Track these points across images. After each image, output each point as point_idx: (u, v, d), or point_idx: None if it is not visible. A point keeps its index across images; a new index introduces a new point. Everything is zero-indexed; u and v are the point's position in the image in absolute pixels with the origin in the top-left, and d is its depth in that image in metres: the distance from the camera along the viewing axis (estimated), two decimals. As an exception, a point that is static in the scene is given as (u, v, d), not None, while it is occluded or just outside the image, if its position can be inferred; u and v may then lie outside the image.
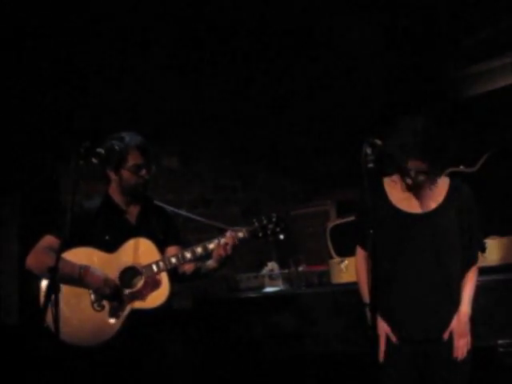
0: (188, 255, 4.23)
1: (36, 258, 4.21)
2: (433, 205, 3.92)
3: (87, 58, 6.28)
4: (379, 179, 4.02)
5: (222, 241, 4.21)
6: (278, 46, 6.98)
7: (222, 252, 4.21)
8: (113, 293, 4.13)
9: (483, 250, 4.01)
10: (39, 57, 6.05)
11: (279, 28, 6.86)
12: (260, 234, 4.27)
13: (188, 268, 4.42)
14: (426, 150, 3.73)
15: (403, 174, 3.79)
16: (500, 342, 4.46)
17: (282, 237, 4.30)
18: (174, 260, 4.21)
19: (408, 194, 3.94)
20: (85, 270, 4.12)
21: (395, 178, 3.96)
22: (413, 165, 3.78)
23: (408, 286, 3.87)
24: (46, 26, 5.95)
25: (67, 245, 3.97)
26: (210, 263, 4.35)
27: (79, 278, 4.12)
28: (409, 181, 3.79)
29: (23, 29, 5.89)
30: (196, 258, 4.28)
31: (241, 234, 4.26)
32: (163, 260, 4.20)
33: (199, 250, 4.23)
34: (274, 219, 4.27)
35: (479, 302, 4.42)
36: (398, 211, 3.90)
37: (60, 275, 3.78)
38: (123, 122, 4.83)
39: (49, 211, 5.81)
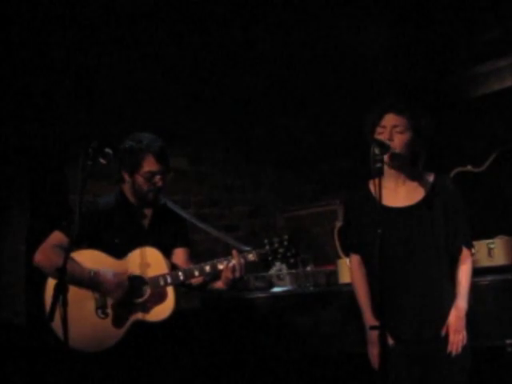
0: (196, 273, 4.17)
1: (44, 255, 4.18)
2: (417, 198, 3.92)
3: (95, 57, 6.28)
4: (366, 181, 4.02)
5: (231, 263, 4.13)
6: (286, 45, 6.98)
7: (230, 275, 4.15)
8: (125, 297, 4.12)
9: (470, 243, 3.97)
10: (50, 54, 6.05)
11: (287, 27, 6.86)
12: (270, 258, 4.19)
13: (195, 281, 4.33)
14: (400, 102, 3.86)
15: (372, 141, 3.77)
16: (508, 341, 4.45)
17: (292, 261, 4.28)
18: (181, 276, 4.15)
19: (394, 190, 3.96)
20: (95, 273, 4.11)
21: (385, 175, 3.94)
22: (387, 121, 3.85)
23: (400, 283, 3.87)
24: (53, 25, 5.96)
25: (76, 244, 3.96)
26: (219, 284, 4.29)
27: (90, 283, 4.11)
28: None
29: (29, 26, 5.90)
30: (203, 276, 4.25)
31: (251, 257, 4.17)
32: (170, 275, 4.15)
33: (207, 268, 4.17)
34: (285, 243, 4.16)
35: (487, 302, 4.43)
36: (382, 207, 3.88)
37: (70, 277, 3.77)
38: (132, 123, 4.82)
39: (57, 211, 5.81)
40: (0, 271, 6.02)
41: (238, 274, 4.14)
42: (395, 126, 3.84)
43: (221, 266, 4.16)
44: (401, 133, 3.83)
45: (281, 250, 4.16)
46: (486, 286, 4.49)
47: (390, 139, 3.81)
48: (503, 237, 4.94)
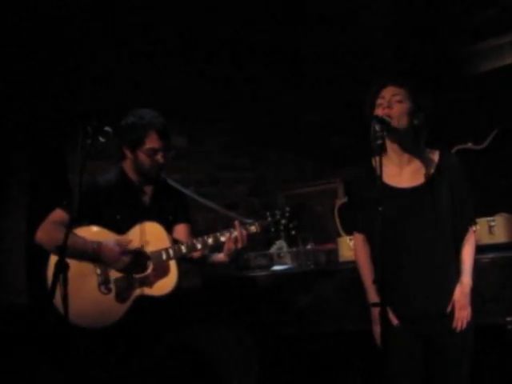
0: (198, 245, 4.19)
1: (46, 232, 4.19)
2: (423, 178, 3.91)
3: (98, 36, 6.25)
4: (370, 158, 4.01)
5: (234, 234, 4.16)
6: (286, 23, 6.93)
7: (232, 246, 4.17)
8: (128, 264, 4.12)
9: (474, 222, 3.98)
10: (47, 38, 6.02)
11: (287, 6, 6.81)
12: (273, 229, 4.22)
13: (195, 254, 4.36)
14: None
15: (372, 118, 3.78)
16: (509, 319, 4.45)
17: (294, 233, 4.27)
18: (183, 249, 4.17)
19: (399, 170, 3.95)
20: (98, 245, 4.11)
21: (388, 153, 3.95)
22: (386, 92, 3.86)
23: (405, 262, 3.87)
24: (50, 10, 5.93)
25: (77, 221, 3.95)
26: (220, 256, 4.31)
27: (93, 254, 4.10)
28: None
29: (26, 14, 5.87)
30: (206, 248, 4.25)
31: (253, 229, 4.21)
32: (173, 248, 4.16)
33: (210, 241, 4.19)
34: (287, 214, 4.21)
35: (488, 280, 4.44)
36: (388, 187, 3.89)
37: (72, 250, 3.79)
38: (131, 101, 4.80)
39: (57, 190, 5.81)
40: (0, 250, 6.03)
41: (240, 245, 4.16)
42: (394, 95, 3.84)
43: (223, 238, 4.18)
44: (400, 102, 3.83)
45: (283, 222, 4.19)
46: (486, 264, 4.48)
47: (390, 107, 3.80)
48: (504, 214, 4.93)
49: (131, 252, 4.14)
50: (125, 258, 4.10)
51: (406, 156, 3.93)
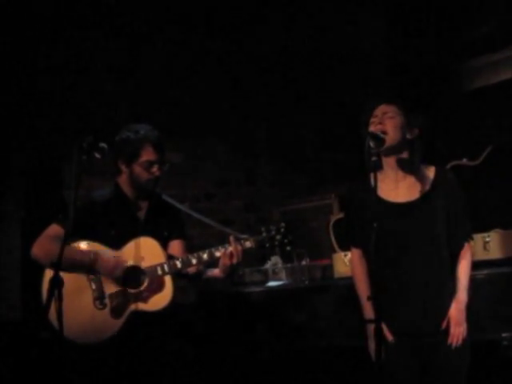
0: (193, 261, 4.18)
1: (42, 247, 4.18)
2: (419, 193, 3.92)
3: (93, 53, 6.28)
4: (366, 173, 4.01)
5: (229, 250, 4.15)
6: (283, 39, 6.97)
7: (227, 261, 4.16)
8: (125, 274, 4.12)
9: (471, 237, 3.99)
10: (45, 49, 6.05)
11: (284, 21, 6.85)
12: (267, 245, 4.21)
13: (191, 270, 4.34)
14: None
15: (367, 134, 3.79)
16: (504, 335, 4.45)
17: (289, 249, 4.27)
18: (178, 264, 4.16)
19: (395, 185, 3.95)
20: (95, 254, 4.11)
21: (385, 169, 3.96)
22: (379, 111, 3.89)
23: (401, 278, 3.87)
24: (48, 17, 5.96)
25: (72, 237, 3.95)
26: (216, 272, 4.30)
27: (89, 264, 4.11)
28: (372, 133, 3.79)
29: (24, 20, 5.89)
30: (201, 264, 4.25)
31: (248, 244, 4.19)
32: (168, 263, 4.15)
33: (205, 256, 4.18)
34: (282, 230, 4.19)
35: (483, 296, 4.43)
36: (384, 202, 3.89)
37: (69, 262, 3.81)
38: (127, 118, 4.82)
39: (52, 205, 5.81)
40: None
41: (235, 260, 4.15)
42: (385, 113, 3.87)
43: (218, 254, 4.17)
44: (391, 117, 3.86)
45: (278, 237, 4.18)
46: (481, 280, 4.48)
47: (381, 123, 3.82)
48: (498, 230, 4.93)
49: (127, 268, 4.14)
50: (119, 269, 4.11)
51: (401, 171, 3.94)
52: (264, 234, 4.19)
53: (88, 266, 4.12)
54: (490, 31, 6.41)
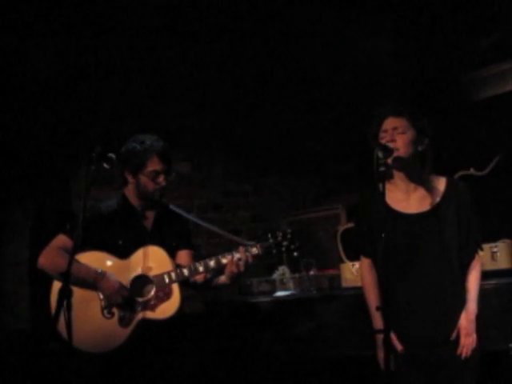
0: (200, 268, 4.19)
1: (49, 258, 4.21)
2: (430, 204, 3.92)
3: (99, 63, 6.30)
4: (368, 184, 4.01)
5: (236, 256, 4.15)
6: (291, 50, 6.98)
7: (234, 269, 4.16)
8: (124, 302, 4.13)
9: (481, 248, 3.99)
10: (53, 61, 6.07)
11: (292, 33, 6.86)
12: (274, 251, 4.22)
13: (198, 278, 4.35)
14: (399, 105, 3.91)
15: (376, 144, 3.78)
16: (512, 345, 4.46)
17: (296, 254, 4.27)
18: (186, 272, 4.17)
19: (406, 196, 3.95)
20: (101, 274, 4.12)
21: (395, 180, 3.96)
22: (388, 125, 3.86)
23: (411, 289, 3.86)
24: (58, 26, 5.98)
25: (80, 247, 3.96)
26: (222, 279, 4.30)
27: (94, 281, 4.12)
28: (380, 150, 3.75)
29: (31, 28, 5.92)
30: (208, 271, 4.26)
31: (255, 251, 4.19)
32: (175, 271, 4.16)
33: (212, 263, 4.19)
34: (288, 236, 4.20)
35: (491, 306, 4.42)
36: (395, 213, 3.90)
37: (74, 278, 3.79)
38: (135, 128, 4.83)
39: (60, 215, 5.82)
40: (3, 276, 6.03)
41: (242, 268, 4.15)
42: (395, 128, 3.84)
43: (225, 261, 4.17)
44: (402, 133, 3.83)
45: (285, 243, 4.19)
46: (489, 290, 4.48)
47: (393, 140, 3.80)
48: (506, 240, 4.93)
49: (133, 280, 4.16)
50: (120, 296, 4.11)
51: (413, 183, 3.94)
52: (271, 241, 4.20)
53: (92, 283, 4.13)
54: (497, 41, 6.41)
